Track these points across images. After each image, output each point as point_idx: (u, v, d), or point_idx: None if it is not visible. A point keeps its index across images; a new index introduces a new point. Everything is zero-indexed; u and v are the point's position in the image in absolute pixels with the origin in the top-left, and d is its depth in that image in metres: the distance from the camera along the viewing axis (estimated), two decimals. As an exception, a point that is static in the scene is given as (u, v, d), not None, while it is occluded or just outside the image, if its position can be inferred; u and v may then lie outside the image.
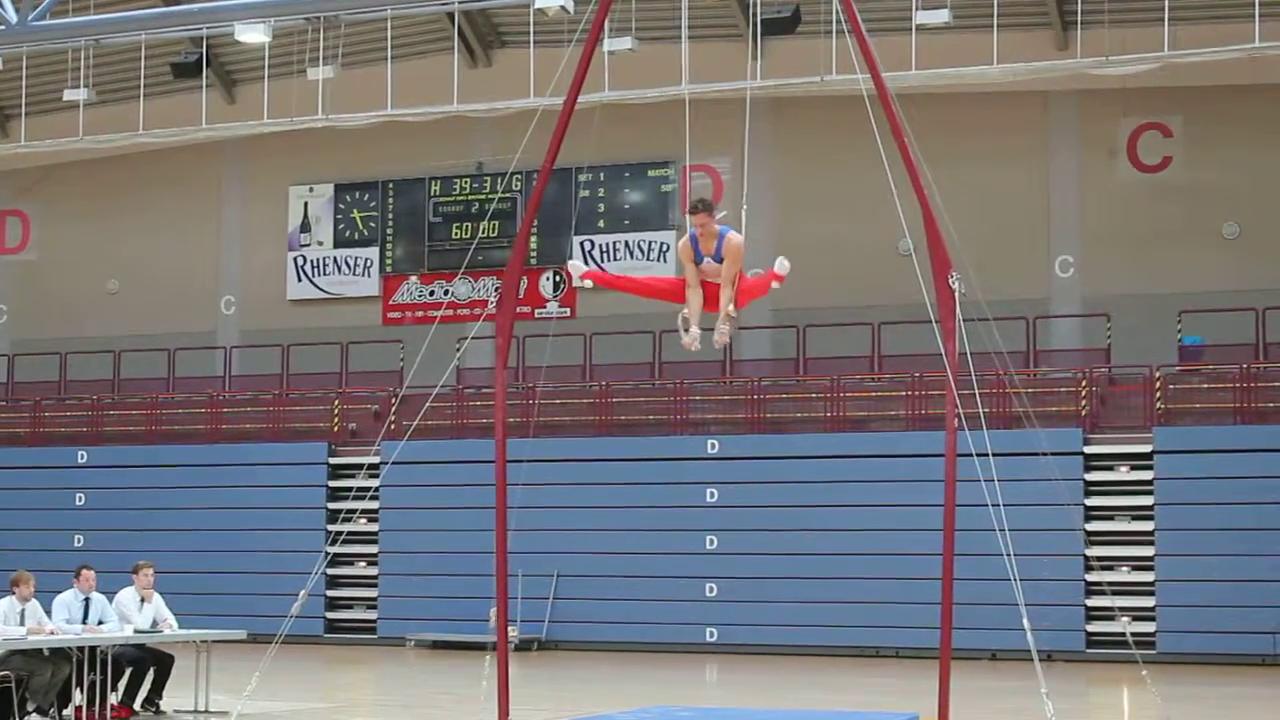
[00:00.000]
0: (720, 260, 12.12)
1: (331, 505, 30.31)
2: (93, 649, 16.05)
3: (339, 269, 34.24)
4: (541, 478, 25.36)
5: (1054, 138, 30.29)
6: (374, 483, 27.94)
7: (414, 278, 33.75)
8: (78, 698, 16.10)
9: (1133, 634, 24.43)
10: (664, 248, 31.73)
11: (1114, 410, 28.01)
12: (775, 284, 12.28)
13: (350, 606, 30.48)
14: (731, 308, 12.03)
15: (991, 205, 29.43)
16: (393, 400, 29.01)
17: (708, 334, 12.19)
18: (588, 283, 12.83)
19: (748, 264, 12.38)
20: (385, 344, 32.56)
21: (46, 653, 15.74)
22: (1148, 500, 26.29)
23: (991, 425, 12.57)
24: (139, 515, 30.87)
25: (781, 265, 12.13)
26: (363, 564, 30.33)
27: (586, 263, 31.88)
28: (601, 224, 32.50)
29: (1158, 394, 27.28)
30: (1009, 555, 11.65)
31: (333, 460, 30.71)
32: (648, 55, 25.51)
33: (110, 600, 16.83)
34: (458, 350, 25.85)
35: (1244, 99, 28.72)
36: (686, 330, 12.23)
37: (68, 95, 27.40)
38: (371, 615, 30.17)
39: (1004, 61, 23.99)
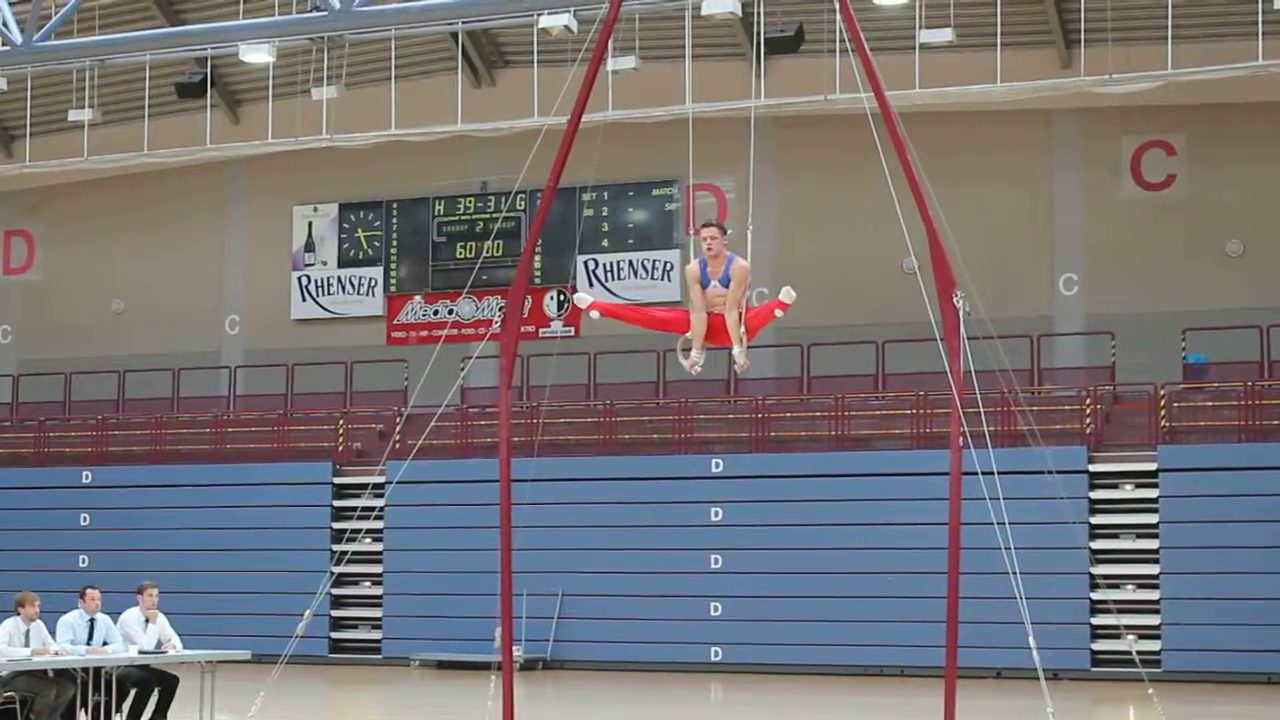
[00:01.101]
0: (727, 284, 12.14)
1: (336, 525, 30.30)
2: (97, 670, 16.04)
3: (343, 289, 34.27)
4: (546, 497, 25.35)
5: (1057, 156, 30.32)
6: (379, 502, 27.93)
7: (418, 297, 33.78)
8: (82, 718, 16.08)
9: (1138, 652, 24.40)
10: (668, 267, 31.75)
11: (1119, 428, 27.98)
12: (779, 312, 12.26)
13: (355, 626, 30.45)
14: (743, 331, 12.04)
15: (995, 223, 29.44)
16: (397, 420, 29.02)
17: (711, 357, 12.23)
18: (595, 313, 12.83)
19: (752, 283, 12.39)
20: (390, 363, 32.58)
21: (51, 673, 15.73)
22: (1153, 518, 26.26)
23: (996, 443, 12.55)
24: (144, 535, 30.86)
25: (787, 294, 12.11)
26: (367, 584, 30.30)
27: (590, 284, 31.96)
28: (605, 243, 32.51)
29: (1162, 412, 27.26)
30: (1014, 573, 11.64)
31: (337, 480, 30.70)
32: (651, 74, 25.54)
33: (115, 621, 16.82)
34: (462, 370, 25.86)
35: (1247, 117, 28.75)
36: (688, 354, 12.26)
37: (72, 115, 27.44)
38: (376, 635, 30.14)
39: (1007, 80, 24.01)
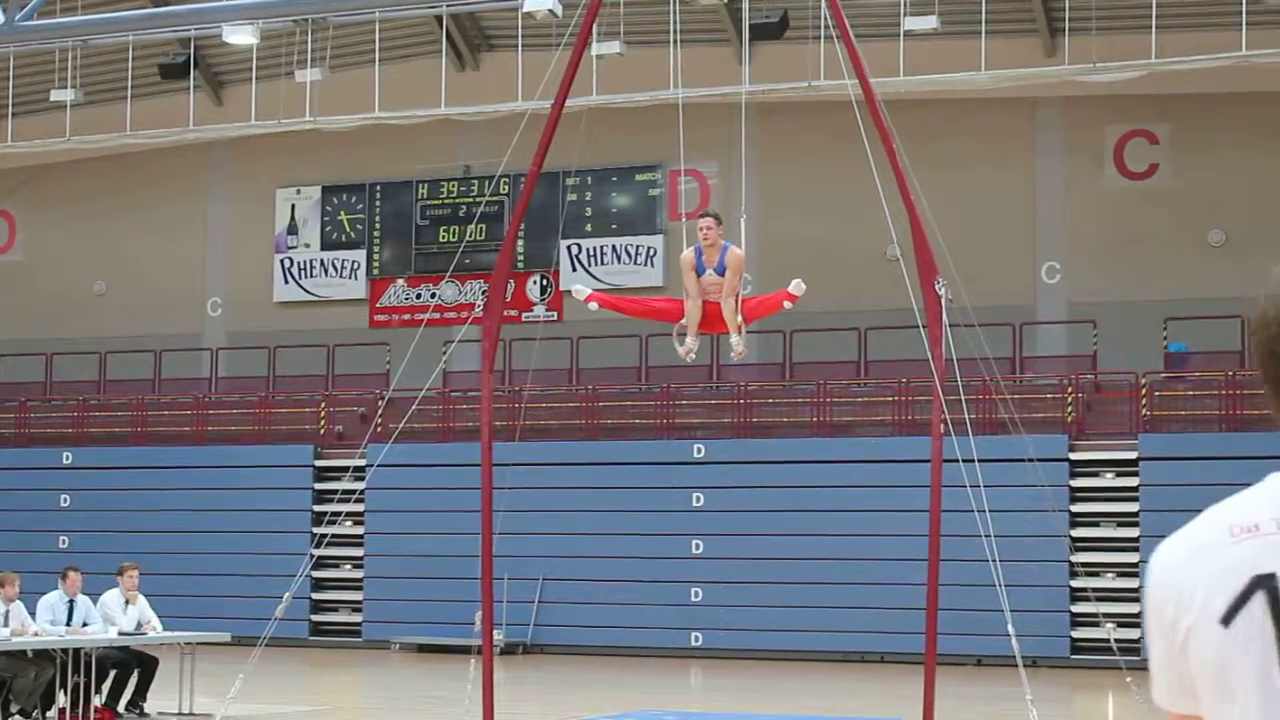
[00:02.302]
0: (722, 273, 12.17)
1: (317, 508, 30.25)
2: (77, 651, 16.03)
3: (326, 271, 34.21)
4: (527, 481, 25.32)
5: (1041, 144, 30.34)
6: (360, 485, 27.84)
7: (401, 280, 33.73)
8: (61, 700, 16.08)
9: (1117, 640, 24.42)
10: (651, 252, 31.72)
11: (1100, 417, 28.03)
12: (788, 303, 12.34)
13: (335, 609, 30.45)
14: (741, 319, 12.09)
15: (978, 211, 29.44)
16: (379, 403, 28.97)
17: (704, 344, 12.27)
18: (593, 305, 12.87)
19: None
20: (372, 347, 32.54)
21: (30, 654, 15.72)
22: (1133, 506, 26.32)
23: (977, 431, 12.58)
24: (124, 517, 30.79)
25: (797, 286, 12.14)
26: (348, 567, 30.29)
27: (574, 269, 31.95)
28: (589, 228, 32.48)
29: (1143, 401, 27.32)
30: (994, 561, 11.68)
31: (318, 463, 30.67)
32: (635, 59, 25.52)
33: (95, 602, 16.81)
34: (444, 353, 25.81)
35: (1231, 106, 28.78)
36: (683, 341, 12.30)
37: (55, 96, 27.38)
38: (356, 618, 30.13)
39: (992, 68, 24.03)
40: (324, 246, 34.30)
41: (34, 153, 30.42)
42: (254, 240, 34.73)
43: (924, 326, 11.85)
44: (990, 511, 11.91)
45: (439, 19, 28.81)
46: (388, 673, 26.09)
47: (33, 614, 16.16)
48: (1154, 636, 2.27)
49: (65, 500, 31.85)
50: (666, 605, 28.02)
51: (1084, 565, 25.88)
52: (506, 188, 32.06)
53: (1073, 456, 26.73)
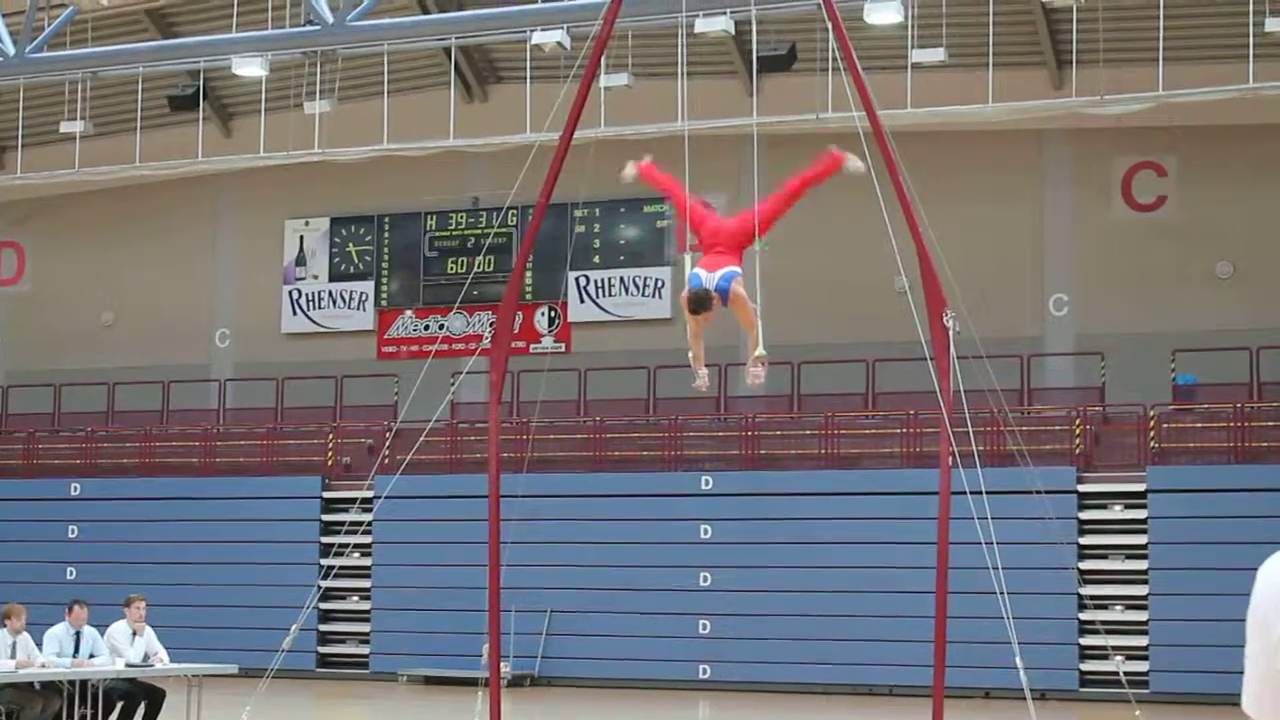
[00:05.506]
0: (726, 306, 12.08)
1: (325, 539, 30.19)
2: (83, 682, 16.01)
3: (334, 303, 34.23)
4: (535, 513, 25.28)
5: (1049, 176, 30.34)
6: (367, 517, 27.89)
7: (409, 312, 33.74)
8: (68, 731, 16.04)
9: (1126, 673, 24.35)
10: (659, 284, 31.73)
11: (1108, 449, 27.98)
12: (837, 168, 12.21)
13: (343, 641, 30.37)
14: (760, 349, 11.97)
15: (986, 243, 29.44)
16: (387, 434, 28.96)
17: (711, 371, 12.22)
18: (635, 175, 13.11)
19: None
20: (380, 378, 32.53)
21: (37, 686, 15.70)
22: (1141, 539, 26.24)
23: (985, 463, 12.55)
24: (132, 548, 30.76)
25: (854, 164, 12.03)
26: (355, 598, 30.23)
27: (581, 300, 31.99)
28: (597, 259, 32.49)
29: (1152, 433, 27.27)
30: (1002, 593, 11.65)
31: (326, 494, 30.63)
32: (643, 91, 25.56)
33: (102, 633, 16.79)
34: (452, 385, 25.84)
35: (1239, 139, 28.79)
36: (697, 374, 12.25)
37: (64, 127, 27.44)
38: (364, 650, 30.06)
39: (999, 100, 24.03)
40: (332, 278, 34.33)
41: (43, 184, 30.48)
42: (262, 271, 34.77)
43: (932, 359, 11.84)
44: (998, 544, 11.89)
45: (447, 51, 28.89)
46: (395, 705, 26.03)
47: (40, 645, 16.15)
48: (1252, 639, 2.28)
49: (73, 531, 31.83)
50: (674, 637, 27.95)
51: (1092, 598, 25.81)
52: (515, 219, 32.10)
53: (1081, 489, 26.66)
